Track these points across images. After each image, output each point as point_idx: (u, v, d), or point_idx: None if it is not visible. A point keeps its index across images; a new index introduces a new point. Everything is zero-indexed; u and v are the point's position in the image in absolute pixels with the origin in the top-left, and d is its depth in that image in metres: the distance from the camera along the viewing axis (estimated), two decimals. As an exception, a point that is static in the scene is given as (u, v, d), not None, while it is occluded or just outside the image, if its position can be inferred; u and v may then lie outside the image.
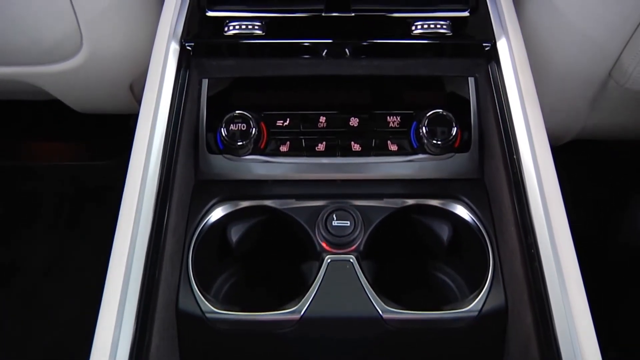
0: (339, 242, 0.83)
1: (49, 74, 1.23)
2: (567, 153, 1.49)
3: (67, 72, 1.21)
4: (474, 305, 0.80)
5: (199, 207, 0.88)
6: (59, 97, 1.41)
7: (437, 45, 0.94)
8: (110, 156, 1.86)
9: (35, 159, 1.94)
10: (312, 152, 0.92)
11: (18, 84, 1.31)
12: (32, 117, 1.94)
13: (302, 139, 0.92)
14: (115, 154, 1.83)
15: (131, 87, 1.33)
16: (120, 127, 1.71)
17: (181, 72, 0.90)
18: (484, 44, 0.93)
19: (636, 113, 1.38)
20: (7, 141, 1.94)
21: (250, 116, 0.88)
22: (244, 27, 0.92)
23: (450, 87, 0.94)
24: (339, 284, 0.82)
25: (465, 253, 0.91)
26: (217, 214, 0.88)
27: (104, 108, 1.54)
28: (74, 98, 1.43)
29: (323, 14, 0.93)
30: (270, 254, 0.94)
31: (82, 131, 1.92)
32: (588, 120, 1.39)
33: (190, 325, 0.81)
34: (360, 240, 0.84)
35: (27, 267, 1.68)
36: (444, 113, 0.88)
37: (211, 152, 0.92)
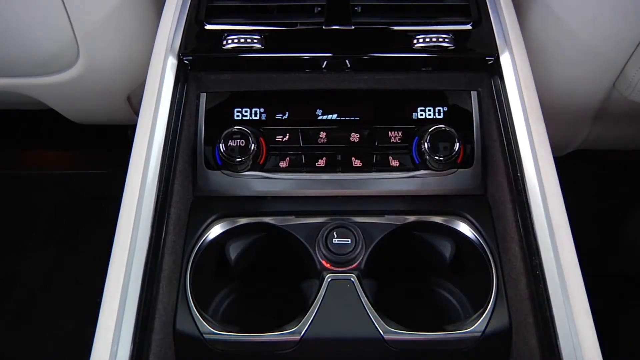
0: (340, 260, 0.82)
1: (45, 86, 1.22)
2: (570, 162, 1.48)
3: (64, 84, 1.20)
4: (477, 325, 0.79)
5: (197, 224, 0.87)
6: (56, 108, 1.39)
7: (439, 59, 0.92)
8: (108, 165, 1.84)
9: (31, 168, 1.92)
10: (312, 168, 0.90)
11: (14, 95, 1.30)
12: (29, 126, 1.92)
13: (302, 154, 0.90)
14: (113, 163, 1.81)
15: (129, 99, 1.32)
16: (118, 136, 1.69)
17: (179, 86, 0.89)
18: (487, 58, 0.91)
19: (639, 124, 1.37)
20: (3, 150, 1.93)
21: (249, 131, 0.87)
22: (242, 40, 0.91)
23: (453, 102, 0.92)
24: (340, 303, 0.80)
25: (468, 271, 0.90)
26: (215, 231, 0.87)
27: (101, 119, 1.53)
28: (70, 109, 1.42)
29: (323, 27, 0.92)
30: (269, 272, 0.93)
31: (79, 140, 1.91)
32: (591, 131, 1.38)
33: (188, 346, 0.79)
34: (361, 258, 0.83)
35: (23, 280, 1.66)
36: (447, 128, 0.87)
37: (209, 167, 0.90)
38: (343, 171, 0.90)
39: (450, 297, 0.93)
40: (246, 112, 0.92)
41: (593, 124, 1.34)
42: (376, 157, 0.90)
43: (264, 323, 0.80)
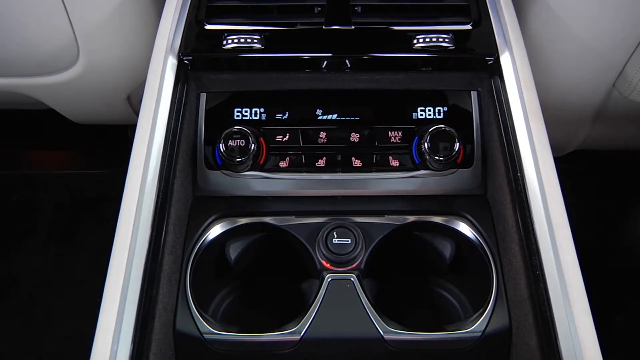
0: (340, 260, 0.82)
1: (45, 86, 1.22)
2: (570, 162, 1.48)
3: (64, 84, 1.20)
4: (477, 326, 0.79)
5: (197, 224, 0.87)
6: (56, 108, 1.39)
7: (439, 59, 0.92)
8: (108, 165, 1.84)
9: (31, 168, 1.92)
10: (312, 168, 0.90)
11: (14, 95, 1.30)
12: (29, 126, 1.92)
13: (302, 154, 0.90)
14: (113, 163, 1.81)
15: (129, 99, 1.32)
16: (118, 136, 1.69)
17: (179, 86, 0.89)
18: (487, 58, 0.91)
19: (639, 124, 1.37)
20: (3, 150, 1.93)
21: (249, 131, 0.87)
22: (242, 40, 0.91)
23: (453, 102, 0.92)
24: (340, 303, 0.80)
25: (468, 271, 0.90)
26: (215, 231, 0.87)
27: (101, 119, 1.53)
28: (70, 109, 1.42)
29: (323, 27, 0.92)
30: (269, 272, 0.93)
31: (79, 140, 1.91)
32: (591, 131, 1.37)
33: (188, 346, 0.79)
34: (361, 258, 0.83)
35: (23, 280, 1.66)
36: (447, 128, 0.87)
37: (209, 167, 0.90)
38: (343, 171, 0.90)
39: (450, 297, 0.93)
40: (246, 112, 0.92)
41: (593, 124, 1.34)
42: (376, 157, 0.90)
43: (264, 323, 0.80)
